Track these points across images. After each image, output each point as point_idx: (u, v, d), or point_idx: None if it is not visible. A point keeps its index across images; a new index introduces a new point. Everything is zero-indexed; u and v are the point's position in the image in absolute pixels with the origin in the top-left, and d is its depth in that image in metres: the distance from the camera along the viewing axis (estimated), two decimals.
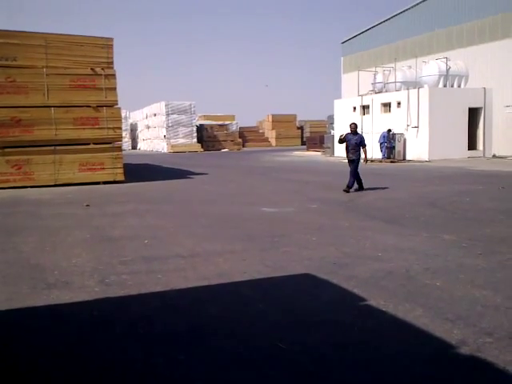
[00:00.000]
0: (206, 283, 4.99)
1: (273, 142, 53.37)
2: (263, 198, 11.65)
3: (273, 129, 53.82)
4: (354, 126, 12.50)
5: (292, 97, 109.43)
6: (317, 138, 36.92)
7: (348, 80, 35.19)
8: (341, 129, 26.24)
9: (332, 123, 31.70)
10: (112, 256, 6.13)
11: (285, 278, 5.18)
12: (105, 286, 4.92)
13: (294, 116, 56.22)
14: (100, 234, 7.60)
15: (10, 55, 14.15)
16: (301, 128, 55.37)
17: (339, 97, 35.14)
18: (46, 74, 14.38)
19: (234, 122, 49.15)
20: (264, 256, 6.05)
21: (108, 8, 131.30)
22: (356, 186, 12.24)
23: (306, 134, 50.65)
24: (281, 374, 3.13)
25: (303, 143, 48.26)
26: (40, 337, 3.76)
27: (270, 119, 54.71)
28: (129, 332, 3.82)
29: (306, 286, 4.95)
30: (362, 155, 12.39)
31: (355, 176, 12.19)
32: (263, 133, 55.94)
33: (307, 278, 5.15)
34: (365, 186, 12.37)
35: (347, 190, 11.98)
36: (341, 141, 12.52)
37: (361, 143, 12.22)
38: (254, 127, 57.54)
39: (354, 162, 12.19)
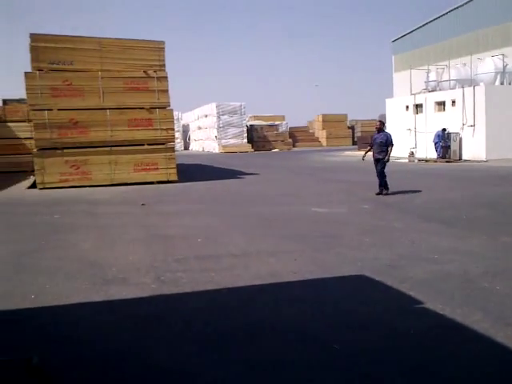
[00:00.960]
0: (258, 282, 5.02)
1: (323, 141, 52.97)
2: (314, 198, 11.58)
3: (323, 129, 53.41)
4: (379, 124, 11.94)
5: (342, 96, 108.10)
6: (368, 138, 36.28)
7: (400, 79, 34.43)
8: (393, 128, 25.71)
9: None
10: (167, 254, 6.27)
11: (337, 279, 5.14)
12: (160, 283, 5.04)
13: (345, 116, 55.58)
14: (155, 232, 7.79)
15: (67, 59, 14.71)
16: (352, 128, 54.66)
17: (390, 96, 34.43)
18: (101, 77, 14.86)
19: (284, 122, 49.12)
20: (316, 256, 6.02)
21: (160, 10, 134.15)
22: (375, 188, 11.73)
23: (357, 134, 49.91)
24: (336, 376, 3.11)
25: (354, 143, 47.61)
26: (98, 331, 3.89)
27: (321, 119, 54.32)
28: (183, 329, 3.89)
29: (360, 287, 4.89)
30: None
31: (383, 177, 11.60)
32: (313, 133, 55.62)
33: (360, 279, 5.08)
34: (419, 187, 12.02)
35: (380, 192, 11.47)
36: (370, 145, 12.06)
37: (386, 142, 11.52)
38: (304, 127, 57.30)
39: (379, 161, 11.58)
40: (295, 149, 47.33)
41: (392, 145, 11.61)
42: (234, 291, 4.79)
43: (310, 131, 56.22)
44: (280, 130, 47.33)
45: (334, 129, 53.12)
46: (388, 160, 11.56)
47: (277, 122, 48.20)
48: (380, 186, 11.53)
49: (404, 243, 6.60)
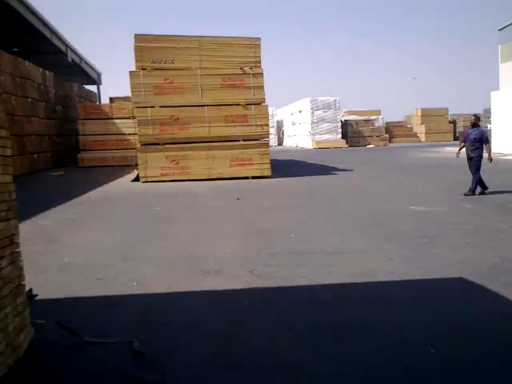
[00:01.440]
0: (351, 280, 4.95)
1: (422, 137, 50.87)
2: (411, 195, 11.18)
3: (422, 123, 51.27)
4: (473, 119, 11.09)
5: (443, 89, 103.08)
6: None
7: (506, 69, 32.11)
8: (500, 123, 24.10)
9: (489, 117, 29.23)
10: (260, 248, 6.37)
11: (435, 280, 4.93)
12: (254, 277, 5.14)
13: (446, 110, 52.92)
14: (249, 226, 7.94)
15: (169, 58, 15.35)
16: (453, 122, 52.00)
17: (496, 88, 32.20)
18: (200, 75, 15.36)
19: (380, 116, 47.79)
20: (413, 256, 5.82)
21: (256, 7, 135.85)
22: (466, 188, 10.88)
23: (459, 129, 47.39)
24: (434, 381, 3.00)
25: (456, 138, 45.25)
26: (196, 318, 4.05)
27: (419, 113, 52.18)
28: (275, 323, 3.94)
29: (459, 290, 4.66)
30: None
31: (478, 176, 10.75)
32: (411, 128, 53.59)
33: (460, 282, 4.84)
34: None
35: (470, 193, 10.66)
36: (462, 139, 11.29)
37: (481, 139, 10.73)
38: (402, 122, 55.38)
39: (472, 159, 10.81)
40: (391, 144, 45.93)
41: (488, 142, 10.86)
42: (326, 288, 4.76)
43: (408, 126, 54.22)
44: (376, 124, 46.13)
45: (433, 123, 50.81)
46: (491, 158, 10.87)
47: (372, 117, 47.01)
48: (474, 184, 10.75)
49: (508, 246, 6.19)
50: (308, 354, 3.37)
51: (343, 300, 4.45)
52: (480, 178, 10.83)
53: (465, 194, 10.71)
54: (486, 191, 10.87)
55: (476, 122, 11.07)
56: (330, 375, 3.10)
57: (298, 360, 3.29)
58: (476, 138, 10.75)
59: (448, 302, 4.31)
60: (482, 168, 10.76)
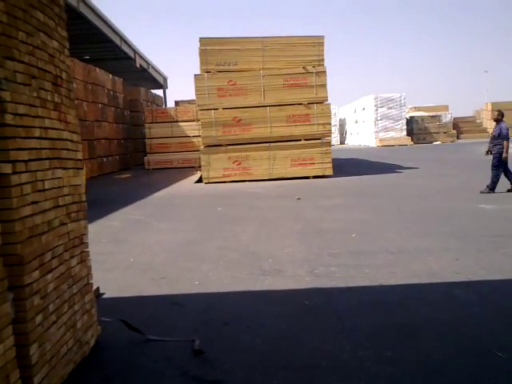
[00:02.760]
0: (415, 281, 4.83)
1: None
2: (480, 193, 10.70)
3: (492, 118, 48.96)
4: (496, 114, 11.00)
5: None
6: None
7: None
8: None
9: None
10: (321, 248, 6.34)
11: (504, 281, 4.72)
12: (314, 277, 5.12)
13: None
14: (310, 225, 7.92)
15: (232, 60, 15.55)
16: None
17: None
18: (263, 76, 15.45)
19: (448, 112, 46.06)
20: (480, 257, 5.59)
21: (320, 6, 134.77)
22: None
23: None
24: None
25: None
26: (256, 319, 4.09)
27: (490, 108, 49.70)
28: (336, 324, 3.92)
29: None
30: None
31: (495, 172, 10.50)
32: (481, 123, 51.28)
33: None
34: None
35: (486, 191, 10.49)
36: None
37: (499, 135, 10.55)
38: (471, 117, 53.10)
39: (492, 155, 10.69)
40: (459, 141, 44.17)
41: (506, 138, 10.56)
42: (388, 289, 4.67)
43: (477, 121, 51.93)
44: (443, 121, 44.53)
45: (506, 118, 48.30)
46: (504, 157, 10.48)
47: (439, 113, 45.40)
48: (492, 183, 10.50)
49: None
50: (365, 354, 3.33)
51: (406, 301, 4.34)
52: (506, 172, 10.58)
53: (481, 192, 10.53)
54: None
55: (498, 117, 10.95)
56: (391, 376, 3.05)
57: (353, 361, 3.26)
58: (494, 134, 10.71)
59: None
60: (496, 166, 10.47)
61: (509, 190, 10.51)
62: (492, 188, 10.48)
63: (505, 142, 10.59)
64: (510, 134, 11.07)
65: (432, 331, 3.67)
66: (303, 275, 5.18)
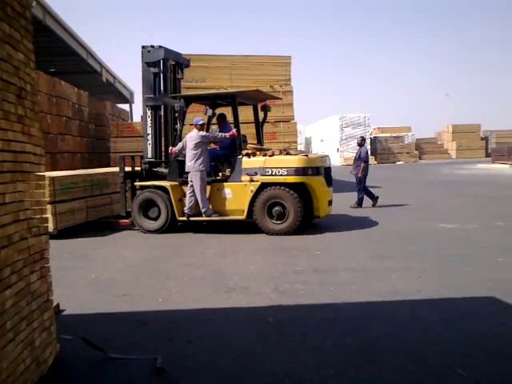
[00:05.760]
0: (378, 299, 4.89)
1: (453, 154, 50.00)
2: (442, 213, 10.97)
3: (453, 140, 50.43)
4: (360, 140, 12.58)
5: (475, 105, 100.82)
6: (504, 150, 33.66)
7: None
8: None
9: None
10: (286, 265, 6.36)
11: (465, 299, 4.83)
12: (279, 294, 5.13)
13: (478, 126, 51.93)
14: (275, 243, 7.94)
15: (200, 77, 15.61)
16: (485, 139, 51.04)
17: None
18: None
19: (410, 133, 47.27)
20: (442, 275, 5.72)
21: (287, 25, 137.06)
22: None
23: (492, 146, 46.47)
24: None
25: (487, 155, 44.36)
26: (220, 336, 4.06)
27: (450, 130, 51.39)
28: (301, 342, 3.92)
29: (490, 310, 4.55)
30: None
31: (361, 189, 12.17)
32: (442, 144, 52.82)
33: (490, 301, 4.73)
34: None
35: None
36: None
37: (359, 157, 12.27)
38: (432, 138, 54.66)
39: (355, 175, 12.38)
40: (421, 161, 45.35)
41: (365, 161, 12.25)
42: (352, 306, 4.72)
43: (439, 143, 53.49)
44: (406, 141, 45.69)
45: (465, 140, 49.94)
46: (359, 176, 12.12)
47: (402, 134, 46.57)
48: None
49: None
50: (328, 373, 3.34)
51: (369, 319, 4.39)
52: None
53: (350, 207, 11.91)
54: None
55: (362, 142, 12.54)
56: None
57: (317, 378, 3.26)
58: (356, 157, 12.66)
59: (476, 322, 4.20)
60: None
61: (373, 205, 12.02)
62: (359, 203, 12.07)
63: (363, 164, 12.07)
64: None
65: (393, 349, 3.71)
66: (268, 292, 5.17)
